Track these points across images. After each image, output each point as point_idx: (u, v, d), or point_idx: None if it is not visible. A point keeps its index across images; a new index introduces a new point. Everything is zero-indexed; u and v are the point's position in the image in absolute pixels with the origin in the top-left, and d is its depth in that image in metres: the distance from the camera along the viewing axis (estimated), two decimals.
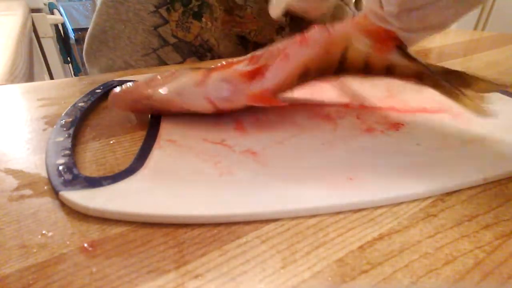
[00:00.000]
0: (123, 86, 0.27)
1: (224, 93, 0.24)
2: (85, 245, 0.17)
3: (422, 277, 0.15)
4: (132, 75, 0.40)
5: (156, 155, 0.23)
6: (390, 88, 0.37)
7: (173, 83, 0.25)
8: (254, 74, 0.24)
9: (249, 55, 0.27)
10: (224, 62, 0.27)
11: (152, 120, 0.28)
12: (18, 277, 0.15)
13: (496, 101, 0.35)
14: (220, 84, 0.24)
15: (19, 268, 0.15)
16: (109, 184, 0.20)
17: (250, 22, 0.49)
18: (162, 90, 0.25)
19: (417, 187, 0.21)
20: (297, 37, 0.25)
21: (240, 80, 0.24)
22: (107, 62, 0.51)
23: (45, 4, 1.64)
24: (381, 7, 0.24)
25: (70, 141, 0.24)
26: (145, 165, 0.22)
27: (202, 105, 0.25)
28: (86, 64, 0.54)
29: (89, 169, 0.23)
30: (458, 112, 0.31)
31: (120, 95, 0.27)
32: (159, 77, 0.26)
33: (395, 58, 0.25)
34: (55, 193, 0.20)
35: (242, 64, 0.25)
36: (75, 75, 1.85)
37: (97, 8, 0.50)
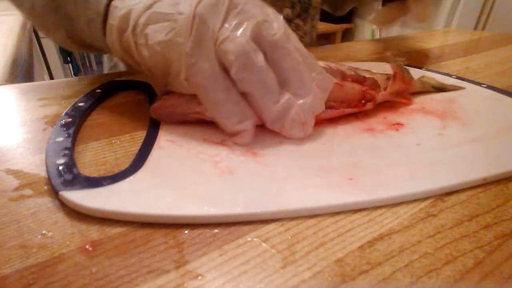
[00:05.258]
0: (162, 99, 0.27)
1: None
2: (86, 245, 0.17)
3: (422, 277, 0.15)
4: (132, 75, 0.40)
5: (156, 155, 0.23)
6: None
7: None
8: None
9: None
10: None
11: (152, 120, 0.28)
12: (18, 277, 0.15)
13: (495, 101, 0.35)
14: None
15: (19, 268, 0.15)
16: (109, 184, 0.20)
17: None
18: None
19: (417, 187, 0.21)
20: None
21: None
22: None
23: None
24: None
25: (70, 141, 0.24)
26: (145, 165, 0.22)
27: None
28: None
29: (89, 169, 0.23)
30: (458, 113, 0.31)
31: (165, 109, 0.27)
32: None
33: None
34: (55, 193, 0.20)
35: None
36: (75, 75, 1.86)
37: None
